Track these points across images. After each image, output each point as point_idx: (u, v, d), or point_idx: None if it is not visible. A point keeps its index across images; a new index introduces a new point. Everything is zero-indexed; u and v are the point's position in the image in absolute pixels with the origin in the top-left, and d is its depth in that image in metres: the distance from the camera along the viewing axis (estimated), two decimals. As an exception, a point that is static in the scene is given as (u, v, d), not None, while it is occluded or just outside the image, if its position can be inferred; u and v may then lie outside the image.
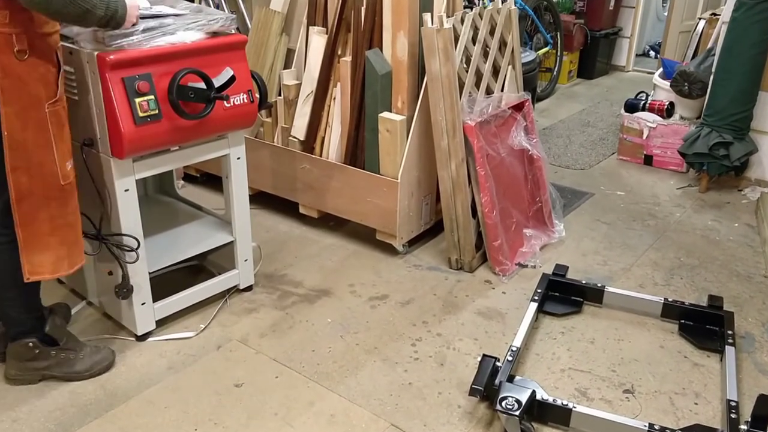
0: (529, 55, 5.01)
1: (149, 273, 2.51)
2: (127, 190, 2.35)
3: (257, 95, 2.58)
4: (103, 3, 2.04)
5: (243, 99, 2.50)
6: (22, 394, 2.33)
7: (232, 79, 2.37)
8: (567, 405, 2.18)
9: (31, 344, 2.34)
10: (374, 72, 2.97)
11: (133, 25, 2.19)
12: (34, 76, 2.04)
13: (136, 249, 2.37)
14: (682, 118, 4.34)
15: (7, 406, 2.27)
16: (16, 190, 2.08)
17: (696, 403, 2.34)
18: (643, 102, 4.49)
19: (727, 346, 2.51)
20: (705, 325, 2.71)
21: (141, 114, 2.21)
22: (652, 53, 7.37)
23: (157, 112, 2.25)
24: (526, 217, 3.34)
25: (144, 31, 2.23)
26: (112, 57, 2.15)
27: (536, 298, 2.78)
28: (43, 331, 2.38)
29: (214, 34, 2.44)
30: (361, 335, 2.67)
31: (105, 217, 2.38)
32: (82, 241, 2.30)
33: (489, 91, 3.24)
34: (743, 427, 2.12)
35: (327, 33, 3.21)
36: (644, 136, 4.40)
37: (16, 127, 2.04)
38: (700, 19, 4.82)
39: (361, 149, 3.17)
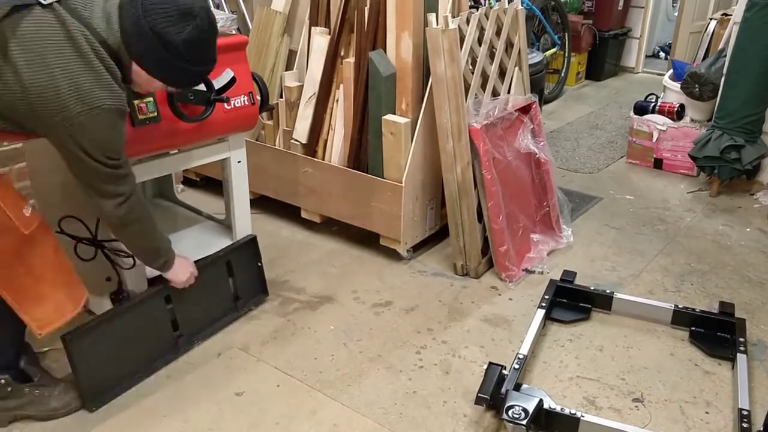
0: (536, 57, 5.01)
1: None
2: (125, 195, 2.32)
3: (258, 97, 2.56)
4: (165, 250, 2.25)
5: (244, 101, 2.49)
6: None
7: (233, 80, 2.36)
8: (575, 414, 2.15)
9: (3, 381, 2.15)
10: (378, 73, 2.95)
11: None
12: None
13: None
14: (692, 120, 4.31)
15: (2, 415, 2.25)
16: None
17: (707, 412, 2.31)
18: (652, 104, 4.47)
19: (738, 354, 2.48)
20: (716, 333, 2.68)
21: (140, 116, 2.19)
22: (662, 54, 7.35)
23: (156, 114, 2.23)
24: (533, 222, 3.32)
25: None
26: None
27: (543, 304, 2.75)
28: (18, 367, 2.19)
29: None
30: (364, 343, 2.64)
31: (100, 222, 2.34)
32: (76, 277, 2.16)
33: (495, 93, 3.22)
34: (756, 437, 2.09)
35: (330, 34, 3.19)
36: (654, 139, 4.37)
37: None
38: (711, 19, 4.80)
39: (364, 152, 3.15)
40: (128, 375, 2.36)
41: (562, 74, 6.08)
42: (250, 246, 2.77)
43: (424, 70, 3.01)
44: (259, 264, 2.80)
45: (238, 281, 2.72)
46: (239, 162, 2.65)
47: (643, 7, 6.70)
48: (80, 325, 2.22)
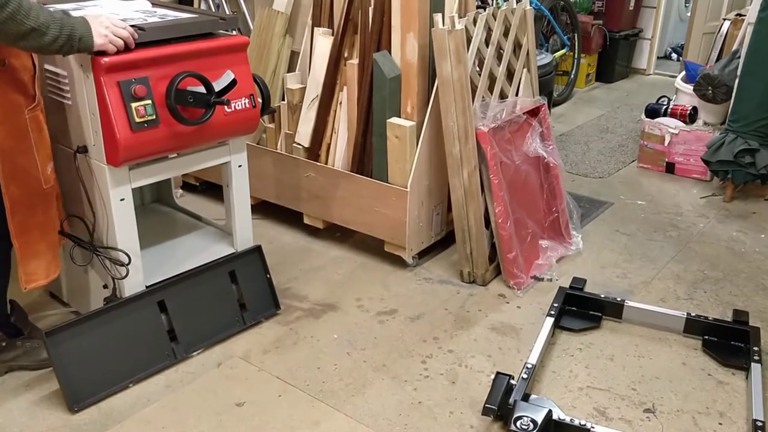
0: (545, 58, 5.02)
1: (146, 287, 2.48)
2: (122, 200, 2.32)
3: (260, 100, 2.55)
4: (56, 22, 1.88)
5: (245, 104, 2.47)
6: (11, 414, 2.28)
7: (234, 82, 2.34)
8: (585, 425, 2.14)
9: None
10: (382, 75, 2.93)
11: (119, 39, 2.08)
12: (12, 84, 2.04)
13: (127, 264, 2.32)
14: (705, 123, 4.28)
15: (-4, 426, 2.25)
16: (10, 201, 2.10)
17: (720, 423, 2.29)
18: (664, 107, 4.44)
19: (752, 363, 2.47)
20: (730, 341, 2.66)
21: (137, 119, 2.18)
22: (674, 56, 7.31)
23: (154, 117, 2.22)
24: (541, 228, 3.30)
25: None
26: (107, 59, 2.12)
27: (552, 312, 2.74)
28: (9, 323, 2.40)
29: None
30: (368, 352, 2.63)
31: (96, 227, 2.35)
32: (58, 246, 2.36)
33: (503, 96, 3.20)
34: (772, 450, 2.09)
35: (333, 34, 3.18)
36: (666, 143, 4.34)
37: (0, 137, 2.03)
38: (724, 19, 4.79)
39: (368, 156, 3.13)
40: (115, 378, 2.37)
41: (572, 76, 6.07)
42: (254, 255, 2.75)
43: (429, 72, 2.99)
44: (268, 276, 2.77)
45: (244, 292, 2.70)
46: (240, 166, 2.63)
47: (654, 7, 6.66)
48: (63, 323, 2.30)
